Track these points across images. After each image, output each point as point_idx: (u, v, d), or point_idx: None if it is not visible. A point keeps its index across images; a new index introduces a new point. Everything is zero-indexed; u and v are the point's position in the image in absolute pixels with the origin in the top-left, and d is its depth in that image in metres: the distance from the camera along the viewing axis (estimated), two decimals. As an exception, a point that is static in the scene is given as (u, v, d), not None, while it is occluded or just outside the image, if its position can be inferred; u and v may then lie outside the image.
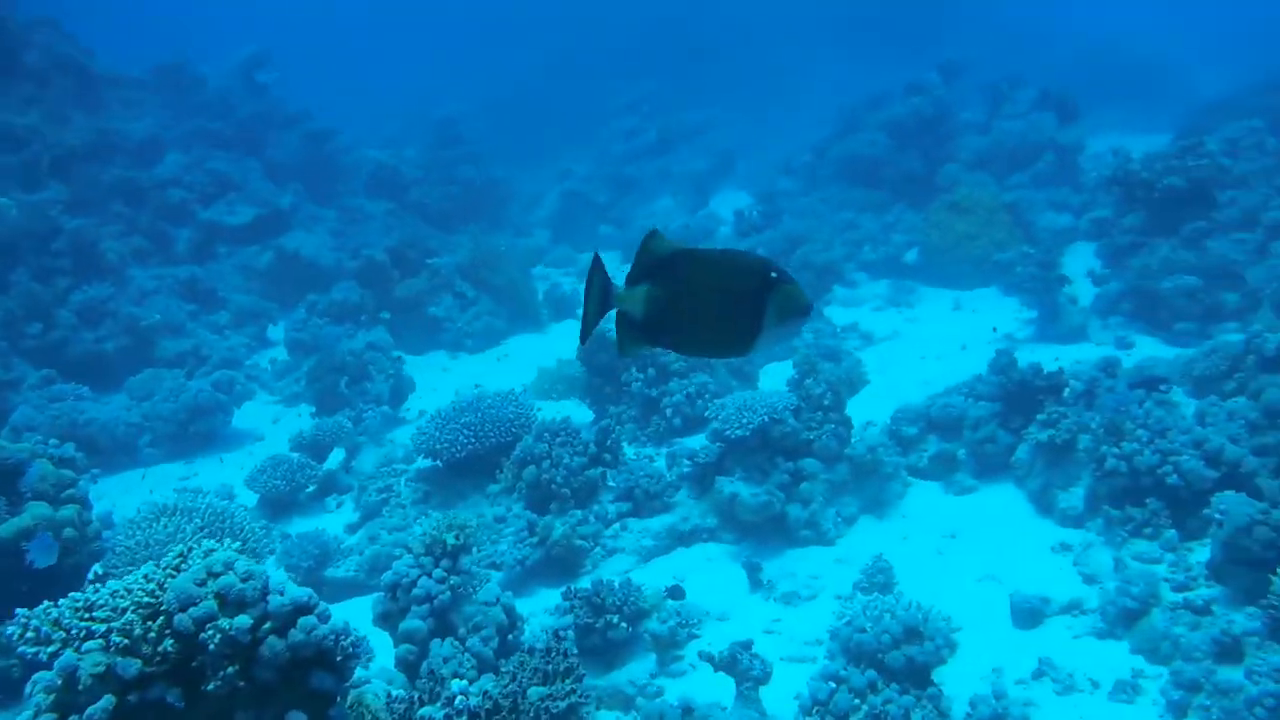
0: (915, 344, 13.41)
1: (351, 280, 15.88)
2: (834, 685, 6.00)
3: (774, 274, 2.51)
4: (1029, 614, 7.33)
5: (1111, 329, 12.40)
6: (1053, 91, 18.47)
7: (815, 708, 6.00)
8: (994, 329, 12.68)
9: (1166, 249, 11.92)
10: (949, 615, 6.52)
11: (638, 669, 6.98)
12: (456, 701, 4.78)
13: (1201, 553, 7.49)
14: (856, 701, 5.92)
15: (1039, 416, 8.94)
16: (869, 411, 10.18)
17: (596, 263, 2.79)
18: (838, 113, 20.83)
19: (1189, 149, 11.85)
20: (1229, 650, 6.41)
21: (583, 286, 2.99)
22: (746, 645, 6.20)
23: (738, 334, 2.58)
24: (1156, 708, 6.29)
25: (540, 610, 7.71)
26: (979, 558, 8.26)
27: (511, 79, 32.75)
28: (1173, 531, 7.68)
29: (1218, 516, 7.18)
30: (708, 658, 6.25)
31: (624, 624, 6.99)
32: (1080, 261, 14.09)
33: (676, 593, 7.47)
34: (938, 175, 17.61)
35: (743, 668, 6.11)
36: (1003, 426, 9.40)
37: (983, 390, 9.61)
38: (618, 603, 6.99)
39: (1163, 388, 9.06)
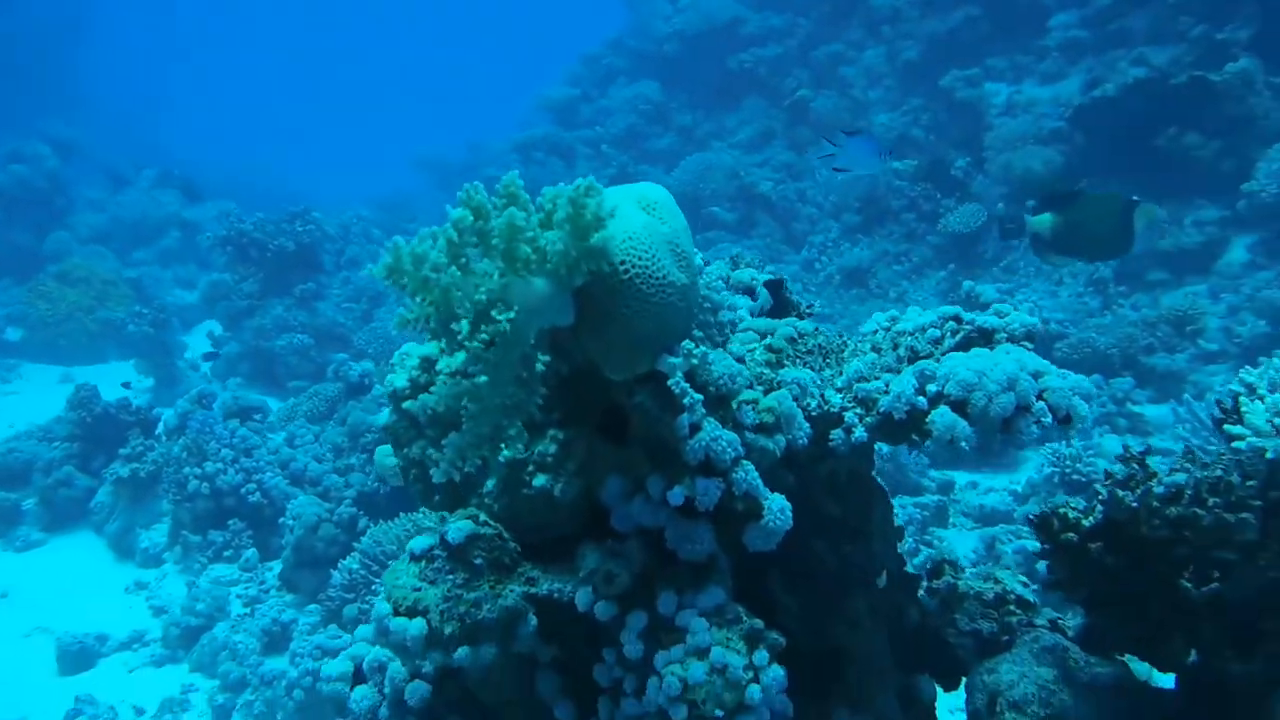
0: None
1: None
2: None
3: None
4: (78, 656, 6.25)
5: (231, 390, 12.04)
6: (175, 172, 18.17)
7: None
8: (125, 384, 11.40)
9: (280, 309, 12.05)
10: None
11: None
12: None
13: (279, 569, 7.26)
14: None
15: (122, 451, 8.01)
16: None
17: None
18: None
19: (298, 215, 12.31)
20: (277, 639, 6.16)
21: None
22: None
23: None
24: (204, 719, 5.68)
25: None
26: (32, 613, 6.92)
27: None
28: (253, 551, 7.33)
29: (290, 522, 7.04)
30: None
31: None
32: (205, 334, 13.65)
33: None
34: (46, 245, 15.85)
35: None
36: (83, 469, 8.24)
37: (60, 431, 8.36)
38: None
39: (256, 417, 8.83)
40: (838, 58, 15.63)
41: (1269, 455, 2.34)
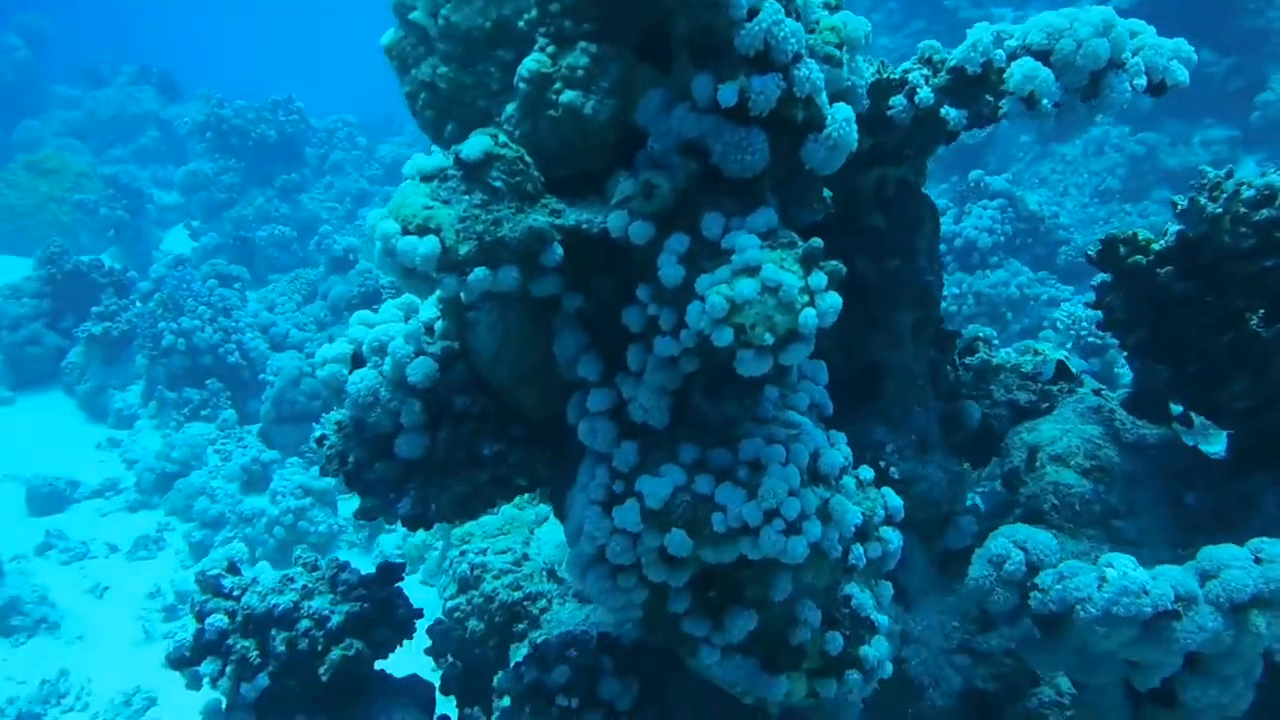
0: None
1: None
2: None
3: None
4: (48, 498, 5.98)
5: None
6: (153, 68, 17.60)
7: None
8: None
9: (261, 199, 11.68)
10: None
11: None
12: None
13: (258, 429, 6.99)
14: None
15: (94, 309, 7.68)
16: None
17: None
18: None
19: (282, 104, 11.91)
20: (257, 479, 5.90)
21: None
22: None
23: None
24: (179, 556, 5.43)
25: None
26: (-2, 463, 6.64)
27: None
28: (231, 412, 7.05)
29: (270, 377, 6.76)
30: None
31: None
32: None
33: None
34: (15, 133, 15.34)
35: None
36: (52, 327, 7.91)
37: (29, 288, 8.02)
38: None
39: (236, 285, 8.52)
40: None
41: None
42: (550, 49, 1.91)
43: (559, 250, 1.88)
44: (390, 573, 2.86)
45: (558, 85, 1.91)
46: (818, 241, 1.79)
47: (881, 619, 2.15)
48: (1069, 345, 5.92)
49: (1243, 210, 2.33)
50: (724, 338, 1.73)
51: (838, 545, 2.01)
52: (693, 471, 1.94)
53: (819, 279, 1.77)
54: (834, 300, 1.76)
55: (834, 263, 1.80)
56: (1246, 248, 2.35)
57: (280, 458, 6.43)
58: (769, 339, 1.73)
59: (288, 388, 6.49)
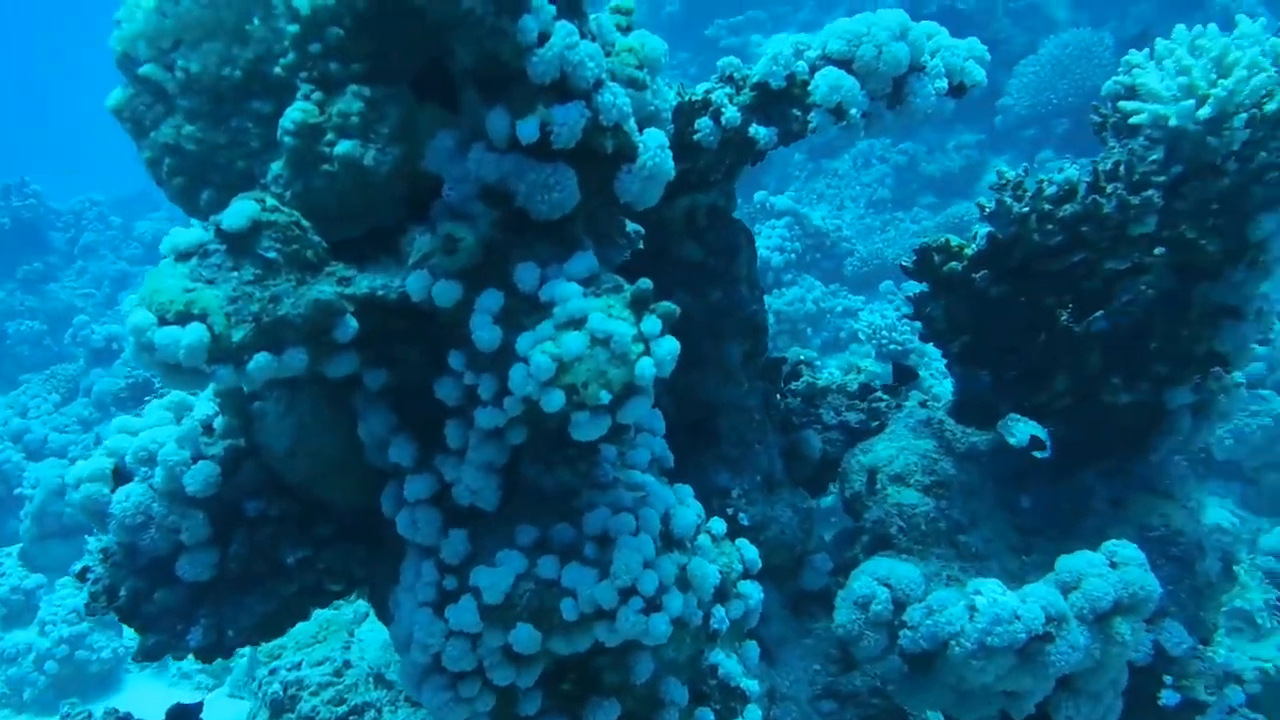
0: None
1: None
2: None
3: None
4: None
5: None
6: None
7: None
8: None
9: (2, 293, 10.57)
10: None
11: None
12: None
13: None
14: None
15: None
16: None
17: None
18: None
19: (15, 188, 10.87)
20: (19, 611, 5.20)
21: None
22: None
23: None
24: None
25: None
26: None
27: None
28: (-13, 535, 6.22)
29: (29, 491, 6.01)
30: None
31: None
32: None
33: None
34: None
35: None
36: None
37: None
38: None
39: None
40: (598, 5, 15.45)
41: (1172, 124, 2.13)
42: (316, 96, 1.65)
43: (353, 323, 1.62)
44: (184, 716, 2.46)
45: (330, 136, 1.66)
46: (646, 282, 1.61)
47: (750, 685, 1.98)
48: (872, 354, 6.05)
49: (1048, 207, 2.33)
50: (554, 401, 1.52)
51: (698, 612, 1.84)
52: (534, 554, 1.72)
53: (652, 324, 1.59)
54: (670, 345, 1.59)
55: (666, 304, 1.62)
56: (1055, 244, 2.35)
57: (48, 580, 5.70)
58: (605, 397, 1.53)
59: (50, 499, 5.76)
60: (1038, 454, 2.41)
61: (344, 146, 1.65)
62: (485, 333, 1.59)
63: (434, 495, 1.77)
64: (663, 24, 14.69)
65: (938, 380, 4.09)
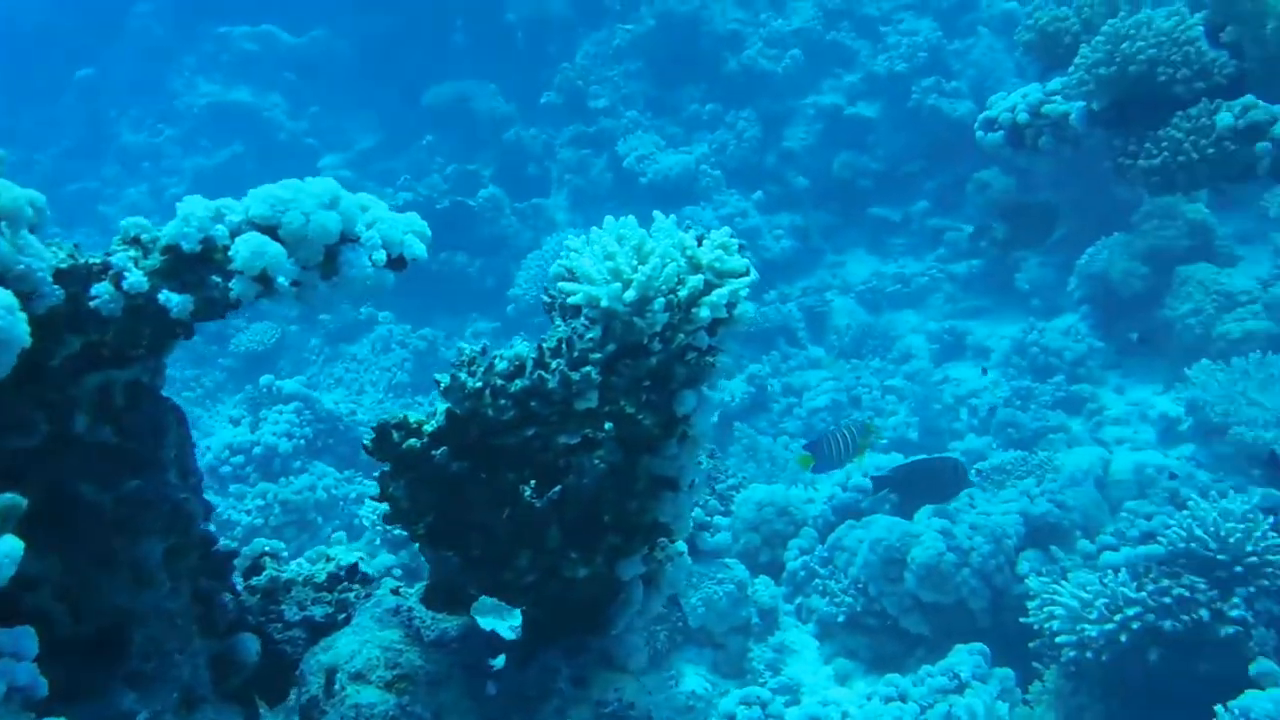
0: None
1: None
2: None
3: None
4: None
5: None
6: None
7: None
8: None
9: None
10: None
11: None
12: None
13: None
14: None
15: None
16: None
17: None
18: None
19: None
20: None
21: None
22: None
23: None
24: None
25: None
26: None
27: None
28: None
29: None
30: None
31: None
32: None
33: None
34: None
35: None
36: None
37: None
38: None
39: None
40: (94, 195, 14.36)
41: (604, 304, 2.25)
42: None
43: None
44: None
45: None
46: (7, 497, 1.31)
47: None
48: (377, 541, 5.81)
49: (499, 382, 2.34)
50: None
51: None
52: None
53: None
54: (9, 547, 1.29)
55: (7, 496, 1.33)
56: (509, 419, 2.35)
57: None
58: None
59: None
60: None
61: None
62: None
63: None
64: (165, 209, 13.94)
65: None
